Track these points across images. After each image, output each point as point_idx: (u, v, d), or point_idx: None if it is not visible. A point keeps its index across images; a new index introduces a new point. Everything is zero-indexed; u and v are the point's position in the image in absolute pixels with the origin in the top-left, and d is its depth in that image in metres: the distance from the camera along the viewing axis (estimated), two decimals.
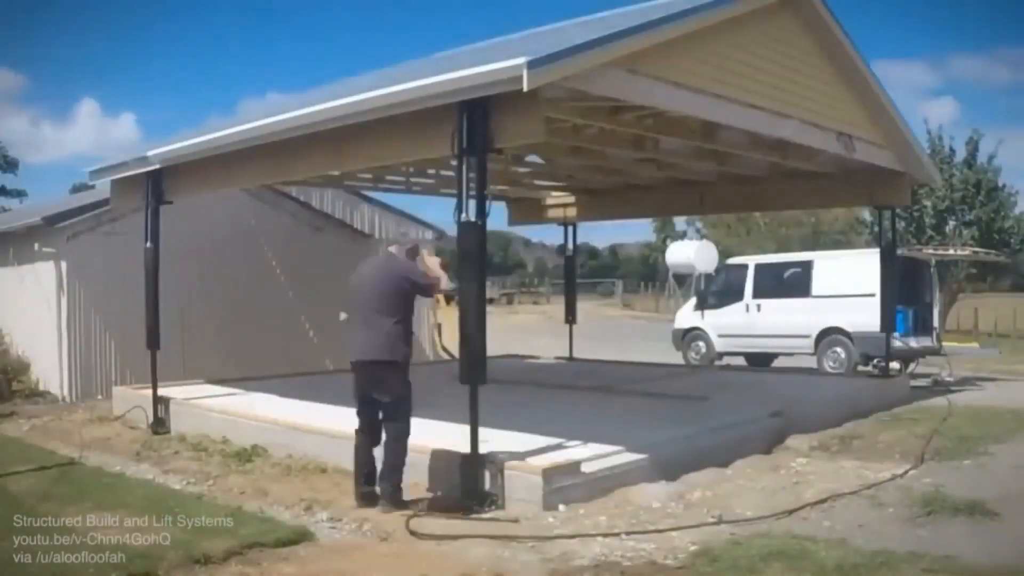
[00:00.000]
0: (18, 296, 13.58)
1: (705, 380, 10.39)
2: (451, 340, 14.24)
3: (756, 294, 15.74)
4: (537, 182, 13.13)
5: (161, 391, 10.12)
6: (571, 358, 14.28)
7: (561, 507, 6.16)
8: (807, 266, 14.49)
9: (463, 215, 6.40)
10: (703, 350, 15.65)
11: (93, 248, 12.46)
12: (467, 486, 6.32)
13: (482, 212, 6.48)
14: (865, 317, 12.11)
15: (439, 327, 15.67)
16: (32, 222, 12.92)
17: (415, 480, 6.66)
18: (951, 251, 18.09)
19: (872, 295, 11.91)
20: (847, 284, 13.23)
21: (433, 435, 6.91)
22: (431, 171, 10.88)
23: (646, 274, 55.62)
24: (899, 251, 12.78)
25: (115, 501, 6.37)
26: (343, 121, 7.31)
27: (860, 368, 13.11)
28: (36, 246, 12.80)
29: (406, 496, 6.28)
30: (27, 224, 13.12)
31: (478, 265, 6.45)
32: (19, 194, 40.87)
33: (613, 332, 13.98)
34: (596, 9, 10.08)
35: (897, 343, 12.00)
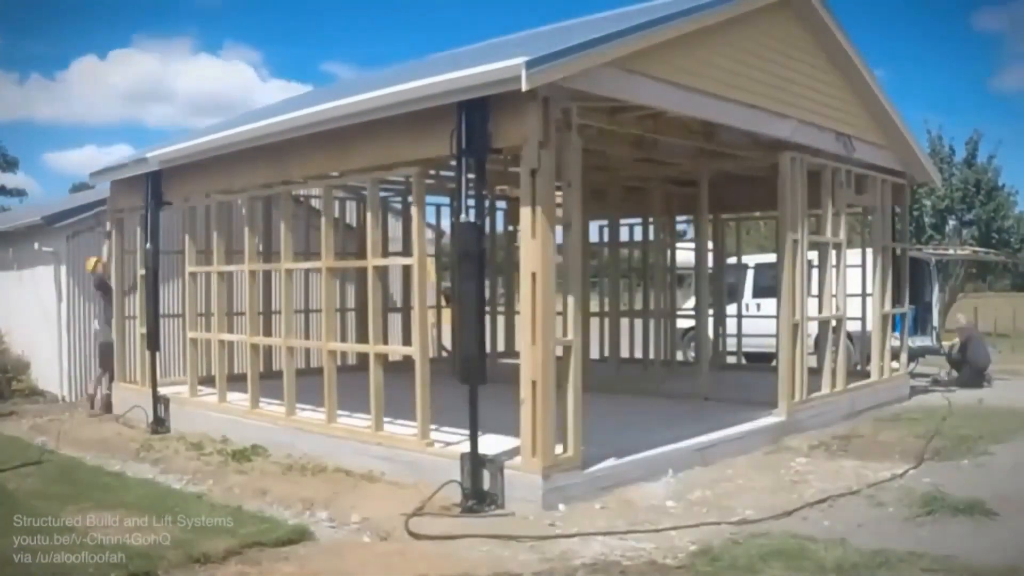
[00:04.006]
0: (18, 296, 13.58)
1: (705, 379, 10.38)
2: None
3: (756, 293, 15.74)
4: None
5: (161, 390, 10.14)
6: None
7: (561, 506, 6.16)
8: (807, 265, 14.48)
9: (462, 216, 6.40)
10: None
11: (93, 247, 12.46)
12: (467, 486, 6.33)
13: (481, 212, 6.48)
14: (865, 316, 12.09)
15: (438, 326, 15.63)
16: (32, 221, 12.92)
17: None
18: (951, 251, 18.08)
19: (872, 295, 11.89)
20: (847, 284, 13.21)
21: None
22: (431, 171, 10.88)
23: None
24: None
25: (115, 500, 6.38)
26: (342, 122, 7.31)
27: (860, 368, 13.11)
28: (36, 246, 12.80)
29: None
30: (27, 223, 13.12)
31: (477, 266, 6.45)
32: (19, 193, 40.83)
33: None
34: (600, 9, 10.10)
35: (896, 343, 11.99)
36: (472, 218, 6.38)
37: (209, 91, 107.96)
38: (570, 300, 6.61)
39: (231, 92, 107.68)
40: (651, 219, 12.73)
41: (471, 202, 6.38)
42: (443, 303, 14.51)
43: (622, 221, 13.01)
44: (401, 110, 6.77)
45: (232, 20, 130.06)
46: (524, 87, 5.79)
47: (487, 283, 10.24)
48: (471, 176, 6.40)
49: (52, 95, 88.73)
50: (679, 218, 13.99)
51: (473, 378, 6.35)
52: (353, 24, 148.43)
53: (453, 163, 6.63)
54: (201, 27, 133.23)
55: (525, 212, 6.25)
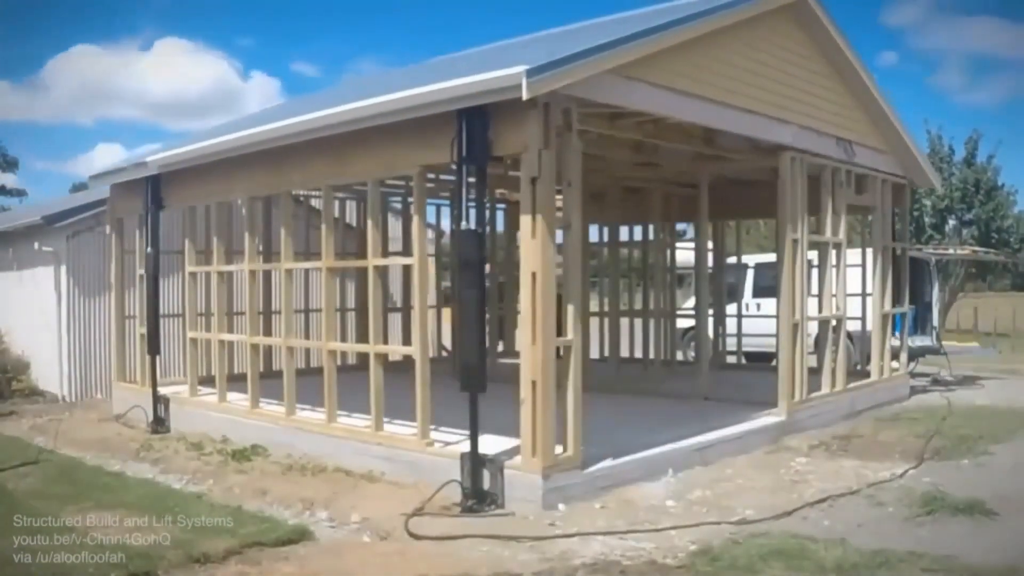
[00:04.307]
0: (18, 295, 13.58)
1: (705, 379, 10.39)
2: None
3: (756, 293, 15.74)
4: None
5: (161, 390, 10.14)
6: None
7: (561, 506, 6.17)
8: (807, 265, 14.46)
9: (463, 223, 6.40)
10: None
11: (93, 247, 12.46)
12: (467, 485, 6.34)
13: (482, 220, 6.47)
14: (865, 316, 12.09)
15: (438, 325, 15.64)
16: (32, 221, 12.92)
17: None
18: (951, 250, 18.07)
19: (872, 294, 11.89)
20: (847, 283, 13.21)
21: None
22: (431, 175, 10.89)
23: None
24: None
25: (115, 500, 6.38)
26: (341, 128, 7.31)
27: (859, 368, 13.12)
28: (36, 245, 12.80)
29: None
30: (27, 223, 13.12)
31: (478, 273, 6.45)
32: (19, 193, 40.84)
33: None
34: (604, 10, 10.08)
35: (896, 343, 12.01)
36: (473, 225, 6.38)
37: (179, 89, 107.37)
38: (570, 300, 6.61)
39: (203, 90, 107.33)
40: (651, 225, 12.74)
41: (472, 209, 6.38)
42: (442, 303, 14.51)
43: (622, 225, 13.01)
44: (401, 117, 6.76)
45: (194, 19, 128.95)
46: (525, 95, 5.78)
47: (487, 284, 10.23)
48: (471, 183, 6.40)
49: (20, 99, 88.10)
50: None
51: (474, 386, 6.36)
52: (320, 24, 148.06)
53: (454, 167, 6.61)
54: (161, 25, 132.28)
55: (525, 217, 6.25)
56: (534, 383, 6.17)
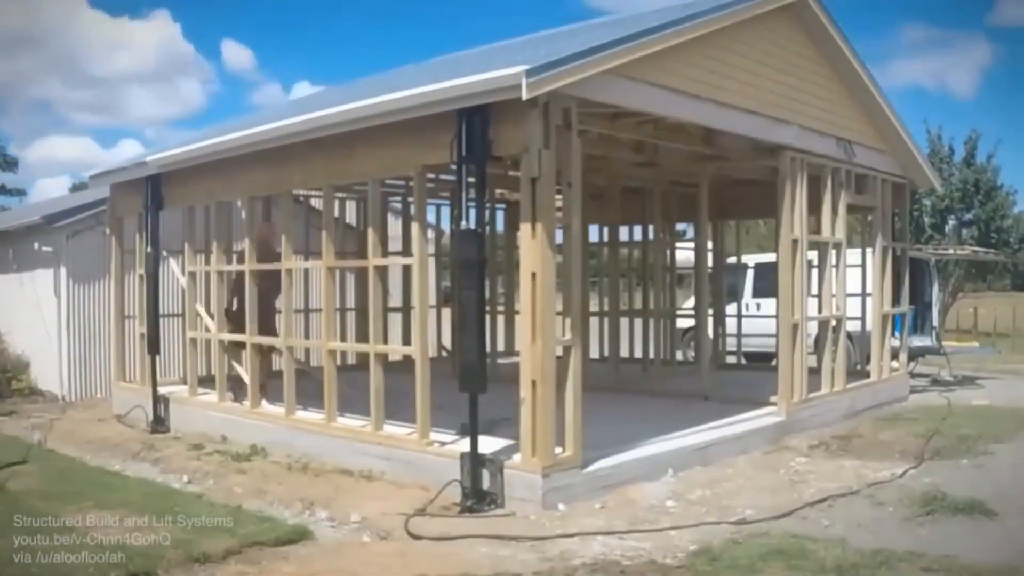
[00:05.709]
0: (17, 295, 13.57)
1: (705, 379, 10.40)
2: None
3: (756, 293, 15.75)
4: None
5: (161, 390, 10.14)
6: None
7: (561, 506, 6.17)
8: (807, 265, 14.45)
9: (463, 223, 6.39)
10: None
11: (93, 247, 12.46)
12: (467, 485, 6.34)
13: (482, 220, 6.47)
14: (865, 316, 12.09)
15: (438, 325, 15.62)
16: (32, 221, 12.92)
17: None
18: (950, 250, 18.08)
19: (872, 294, 11.89)
20: (847, 283, 13.21)
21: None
22: (431, 175, 10.89)
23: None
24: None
25: (115, 500, 6.38)
26: (341, 128, 7.31)
27: (859, 368, 13.12)
28: (36, 245, 12.80)
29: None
30: (27, 223, 13.11)
31: (478, 274, 6.45)
32: (19, 193, 40.85)
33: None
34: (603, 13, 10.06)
35: (896, 343, 12.02)
36: (472, 225, 6.38)
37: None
38: (570, 300, 6.61)
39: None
40: (651, 225, 12.74)
41: (471, 209, 6.37)
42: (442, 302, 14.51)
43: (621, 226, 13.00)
44: (401, 116, 6.76)
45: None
46: (524, 95, 5.78)
47: (487, 284, 10.24)
48: (471, 183, 6.39)
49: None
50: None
51: (474, 386, 6.36)
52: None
53: (453, 167, 6.61)
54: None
55: (525, 219, 6.24)
56: (534, 383, 6.17)
